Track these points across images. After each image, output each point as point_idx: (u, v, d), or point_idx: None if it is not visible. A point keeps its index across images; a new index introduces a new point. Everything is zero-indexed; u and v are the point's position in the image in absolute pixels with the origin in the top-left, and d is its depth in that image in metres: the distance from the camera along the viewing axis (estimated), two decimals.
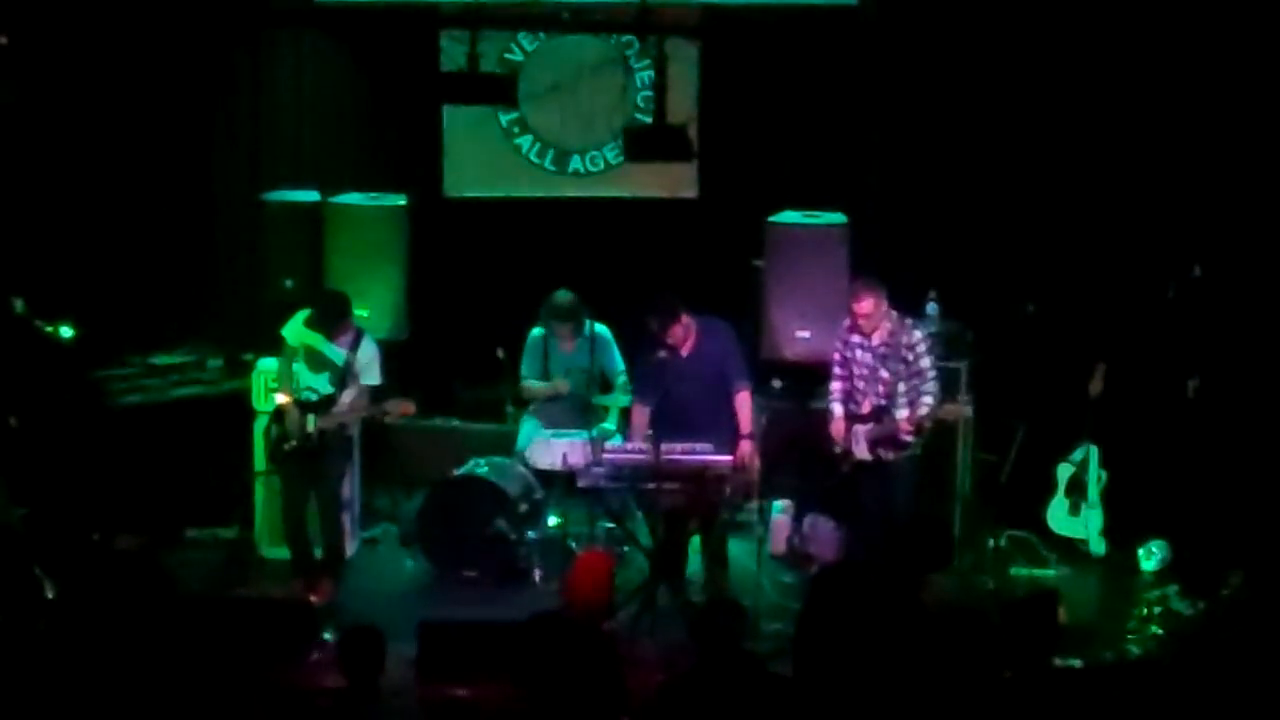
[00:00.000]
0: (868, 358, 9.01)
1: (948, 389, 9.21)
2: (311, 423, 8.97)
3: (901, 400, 8.91)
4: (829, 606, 6.12)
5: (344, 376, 9.04)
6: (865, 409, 9.01)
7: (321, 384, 9.04)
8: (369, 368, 9.09)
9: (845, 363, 9.13)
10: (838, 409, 9.11)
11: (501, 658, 6.28)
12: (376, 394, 9.15)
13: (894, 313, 8.99)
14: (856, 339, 9.04)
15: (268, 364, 9.66)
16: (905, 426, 8.84)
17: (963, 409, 9.07)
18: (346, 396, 9.06)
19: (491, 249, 11.35)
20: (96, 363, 10.13)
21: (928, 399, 8.88)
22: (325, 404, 9.00)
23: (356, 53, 11.37)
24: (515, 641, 5.57)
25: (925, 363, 8.94)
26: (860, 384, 9.04)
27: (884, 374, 8.93)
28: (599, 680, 5.99)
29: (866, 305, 8.87)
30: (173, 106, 10.94)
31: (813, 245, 10.28)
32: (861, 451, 8.99)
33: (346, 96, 11.43)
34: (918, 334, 8.99)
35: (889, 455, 8.97)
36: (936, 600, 6.58)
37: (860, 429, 8.99)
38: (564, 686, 5.84)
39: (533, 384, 9.83)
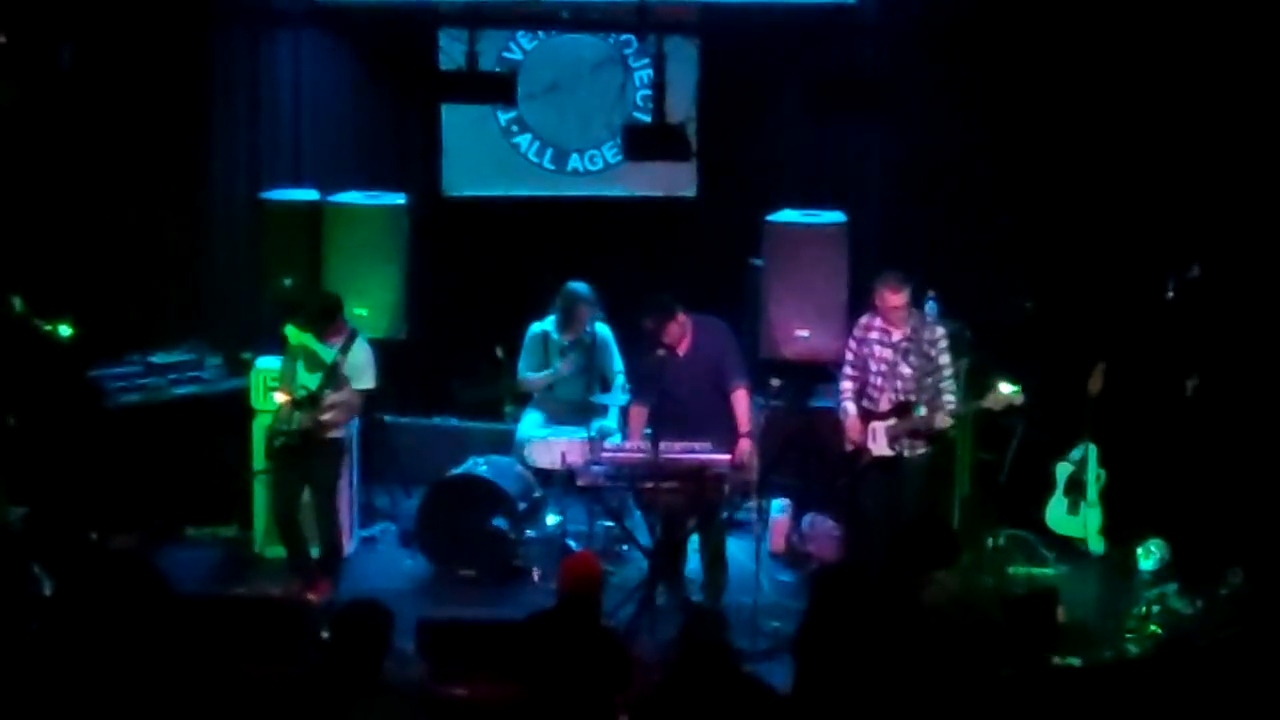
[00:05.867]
0: (888, 353, 8.97)
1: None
2: (296, 420, 8.96)
3: (922, 397, 8.88)
4: (830, 606, 6.13)
5: (332, 378, 9.00)
6: (883, 405, 8.96)
7: (314, 383, 9.02)
8: (361, 371, 9.04)
9: (860, 360, 9.08)
10: (851, 408, 9.06)
11: (503, 655, 6.27)
12: (370, 397, 9.14)
13: (916, 310, 8.99)
14: (875, 335, 9.00)
15: (266, 363, 9.66)
16: (939, 420, 8.81)
17: (1013, 396, 8.87)
18: (334, 398, 9.00)
19: (490, 248, 11.35)
20: (95, 361, 10.12)
21: (949, 396, 8.88)
22: (309, 403, 8.97)
23: (356, 52, 11.37)
24: (516, 639, 5.57)
25: (945, 359, 8.93)
26: (878, 380, 9.00)
27: (904, 369, 8.91)
28: (603, 673, 5.98)
29: (901, 297, 8.85)
30: (172, 106, 10.94)
31: (812, 245, 10.29)
32: (880, 448, 8.95)
33: (345, 96, 11.42)
34: (940, 330, 8.98)
35: (909, 452, 8.93)
36: (941, 597, 6.58)
37: (879, 425, 8.96)
38: (567, 680, 5.83)
39: (532, 375, 9.83)
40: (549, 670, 6.29)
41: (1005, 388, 8.86)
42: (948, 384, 8.92)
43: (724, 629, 6.25)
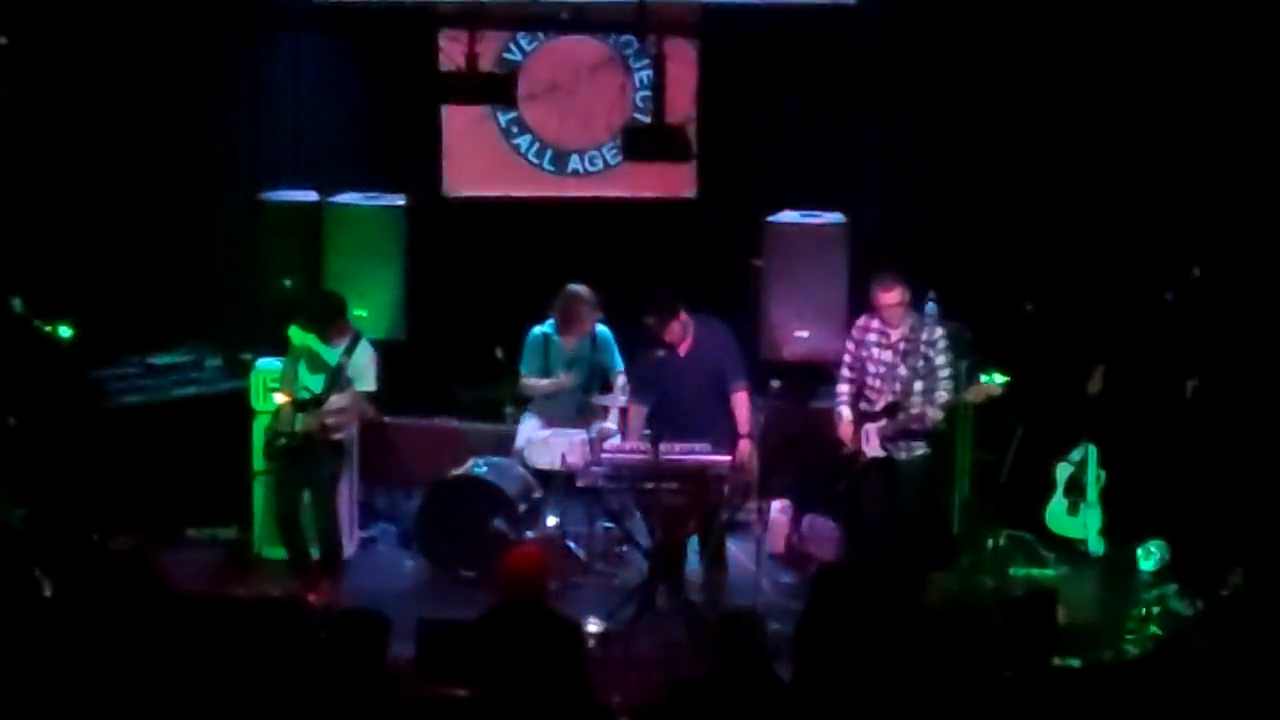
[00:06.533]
0: (887, 355, 8.98)
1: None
2: (299, 422, 8.97)
3: (917, 399, 8.89)
4: (831, 607, 6.12)
5: (336, 379, 9.02)
6: (880, 407, 8.97)
7: (317, 384, 9.03)
8: (364, 373, 9.06)
9: (858, 362, 9.09)
10: (846, 412, 9.08)
11: (458, 660, 6.19)
12: (372, 399, 9.16)
13: (914, 311, 9.00)
14: (873, 336, 9.01)
15: (266, 364, 9.66)
16: (931, 413, 8.81)
17: (992, 388, 8.90)
18: (337, 399, 9.02)
19: (490, 249, 11.34)
20: (95, 362, 10.12)
21: (942, 394, 8.88)
22: (313, 404, 8.99)
23: (356, 53, 11.37)
24: (467, 642, 5.52)
25: (941, 359, 8.93)
26: (876, 382, 9.00)
27: (902, 371, 8.91)
28: (560, 667, 5.91)
29: (894, 295, 8.86)
30: (172, 106, 10.95)
31: (812, 245, 10.30)
32: (873, 449, 8.96)
33: (346, 96, 11.43)
34: (939, 330, 8.98)
35: (900, 454, 8.95)
36: (939, 599, 6.58)
37: (871, 426, 8.97)
38: (522, 679, 5.74)
39: (534, 380, 9.82)
40: (503, 670, 6.21)
41: (985, 380, 8.87)
42: (944, 384, 8.92)
43: (764, 631, 6.21)
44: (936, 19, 10.67)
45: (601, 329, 9.83)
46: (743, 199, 10.93)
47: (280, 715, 5.52)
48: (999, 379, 8.87)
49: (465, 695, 6.90)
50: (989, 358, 9.34)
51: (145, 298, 10.87)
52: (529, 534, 9.46)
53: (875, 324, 9.02)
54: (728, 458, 8.77)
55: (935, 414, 8.87)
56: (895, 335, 8.96)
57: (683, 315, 9.00)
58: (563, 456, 9.36)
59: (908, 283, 8.95)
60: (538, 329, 9.86)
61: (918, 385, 8.90)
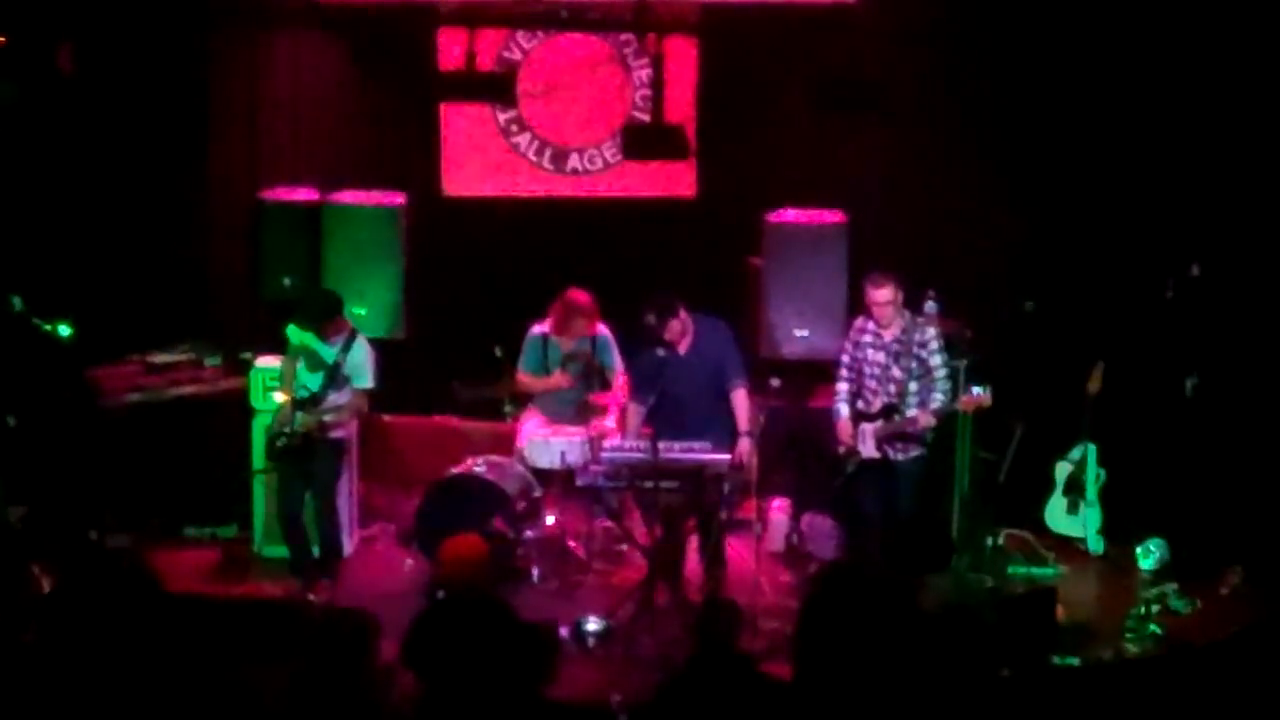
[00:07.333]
0: (880, 356, 8.99)
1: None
2: (298, 420, 8.97)
3: (913, 400, 8.90)
4: (830, 606, 6.12)
5: (334, 377, 9.03)
6: (875, 408, 8.99)
7: (315, 383, 9.04)
8: (361, 370, 9.07)
9: (854, 363, 9.11)
10: (844, 409, 9.10)
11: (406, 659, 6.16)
12: (370, 396, 9.16)
13: (907, 311, 9.00)
14: (868, 338, 9.02)
15: (266, 363, 9.66)
16: (923, 418, 8.82)
17: (982, 399, 8.91)
18: (335, 397, 9.04)
19: (489, 248, 11.34)
20: (94, 361, 10.12)
21: (938, 395, 8.89)
22: (311, 402, 9.00)
23: (355, 51, 11.36)
24: (412, 641, 5.48)
25: (936, 360, 8.93)
26: (871, 383, 9.01)
27: (896, 373, 8.92)
28: (517, 659, 5.87)
29: (885, 293, 8.88)
30: (171, 105, 10.94)
31: (811, 244, 10.30)
32: (869, 450, 8.97)
33: (345, 95, 11.42)
34: (931, 331, 8.98)
35: (896, 455, 8.97)
36: (934, 600, 6.59)
37: (868, 427, 8.98)
38: (473, 673, 5.70)
39: (531, 378, 9.82)
40: (451, 666, 6.17)
41: (975, 390, 8.87)
42: (940, 384, 8.93)
43: (739, 622, 6.21)
44: (936, 19, 10.67)
45: (601, 329, 9.82)
46: (742, 198, 10.93)
47: (269, 716, 5.51)
48: (988, 390, 8.87)
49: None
50: (987, 358, 9.34)
51: (145, 297, 10.87)
52: (529, 533, 9.46)
53: (870, 325, 9.04)
54: (727, 456, 8.77)
55: (928, 419, 8.87)
56: (888, 337, 8.97)
57: (682, 314, 9.00)
58: (563, 455, 9.36)
59: (900, 281, 8.95)
60: (537, 328, 9.87)
61: (913, 386, 8.91)
